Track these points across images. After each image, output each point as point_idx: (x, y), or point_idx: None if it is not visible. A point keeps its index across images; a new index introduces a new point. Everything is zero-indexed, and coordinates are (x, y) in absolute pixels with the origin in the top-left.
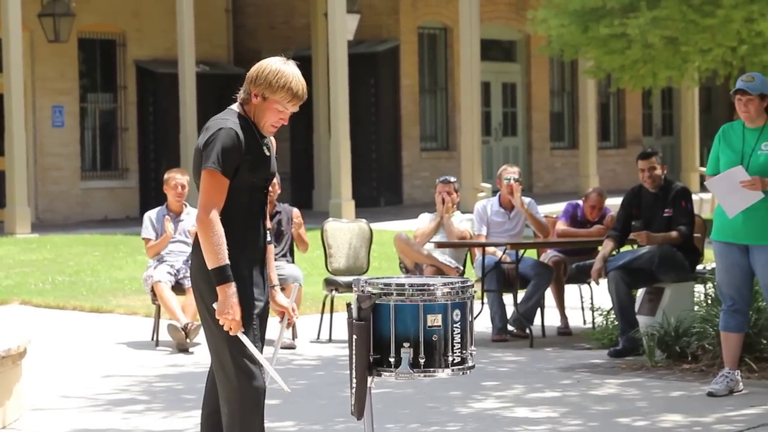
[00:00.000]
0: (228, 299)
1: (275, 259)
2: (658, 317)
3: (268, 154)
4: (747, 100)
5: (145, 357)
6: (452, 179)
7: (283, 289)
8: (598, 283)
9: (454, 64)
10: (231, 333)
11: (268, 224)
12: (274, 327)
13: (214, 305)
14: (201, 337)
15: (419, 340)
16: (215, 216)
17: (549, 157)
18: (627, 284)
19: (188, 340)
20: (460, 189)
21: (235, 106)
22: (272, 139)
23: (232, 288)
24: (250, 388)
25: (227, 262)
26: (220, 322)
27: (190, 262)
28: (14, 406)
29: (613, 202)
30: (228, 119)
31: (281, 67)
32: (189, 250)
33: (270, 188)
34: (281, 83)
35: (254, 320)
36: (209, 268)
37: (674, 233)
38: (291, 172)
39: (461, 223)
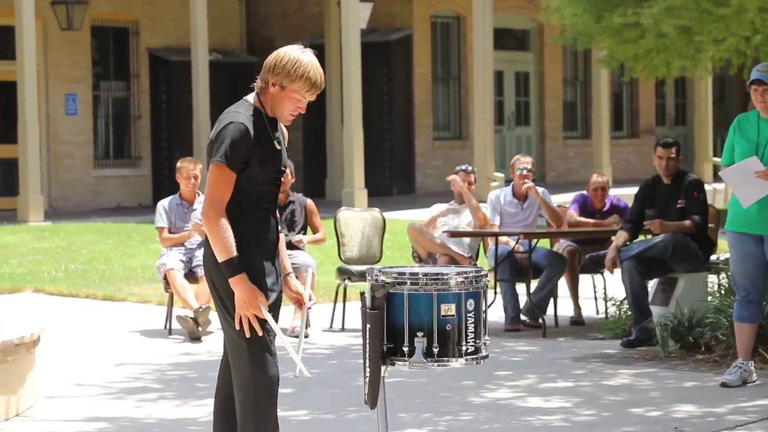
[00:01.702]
0: (242, 289)
1: (288, 248)
2: (671, 307)
3: (278, 147)
4: (763, 90)
5: (158, 345)
6: (471, 168)
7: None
8: (612, 272)
9: (467, 53)
10: (256, 315)
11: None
12: (287, 315)
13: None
14: (213, 325)
15: (433, 329)
16: (221, 209)
17: (562, 146)
18: (641, 274)
19: (200, 329)
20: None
21: (250, 97)
22: (284, 130)
23: (244, 278)
24: (265, 377)
25: (236, 254)
26: (238, 313)
27: (203, 250)
28: (28, 393)
29: (625, 192)
30: (240, 112)
31: (300, 56)
32: (201, 239)
33: (282, 179)
34: (300, 72)
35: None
36: (219, 262)
37: (687, 222)
38: (304, 161)
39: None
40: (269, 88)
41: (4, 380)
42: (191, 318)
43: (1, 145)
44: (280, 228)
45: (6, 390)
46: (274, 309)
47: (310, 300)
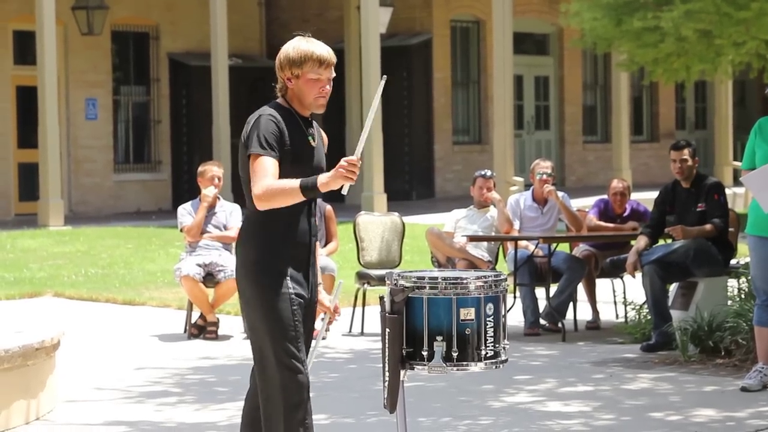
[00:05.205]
0: (329, 177)
1: None
2: (691, 312)
3: (313, 144)
4: None
5: (178, 349)
6: (489, 173)
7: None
8: (634, 276)
9: (486, 57)
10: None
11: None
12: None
13: (345, 187)
14: (232, 329)
15: (452, 333)
16: (268, 185)
17: (581, 150)
18: (662, 279)
19: (202, 336)
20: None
21: (280, 100)
22: (324, 135)
23: (322, 178)
24: (294, 384)
25: (298, 183)
26: (346, 172)
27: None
28: (48, 397)
29: (646, 196)
30: (267, 109)
31: (297, 43)
32: (221, 244)
33: None
34: (304, 54)
35: (296, 315)
36: (302, 196)
37: (709, 226)
38: None
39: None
40: (288, 85)
41: (24, 384)
42: (197, 325)
43: (22, 150)
44: (315, 236)
45: (26, 394)
46: (308, 320)
47: (335, 312)
